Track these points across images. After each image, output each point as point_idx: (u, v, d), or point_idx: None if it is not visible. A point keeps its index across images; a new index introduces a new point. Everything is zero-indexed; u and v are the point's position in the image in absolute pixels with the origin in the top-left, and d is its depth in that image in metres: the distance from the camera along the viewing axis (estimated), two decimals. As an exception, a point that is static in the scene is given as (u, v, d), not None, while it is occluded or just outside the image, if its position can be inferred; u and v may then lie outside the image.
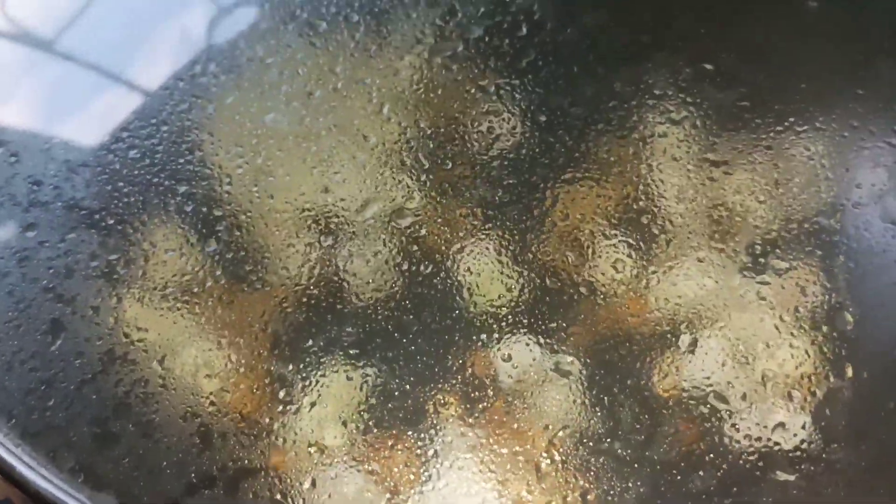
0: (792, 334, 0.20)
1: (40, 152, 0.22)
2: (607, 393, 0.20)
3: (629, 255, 0.21)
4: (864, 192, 0.22)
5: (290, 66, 0.23)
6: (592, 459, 0.19)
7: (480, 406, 0.19)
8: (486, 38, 0.23)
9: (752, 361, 0.20)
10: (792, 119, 0.22)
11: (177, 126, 0.22)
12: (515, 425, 0.19)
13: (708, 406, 0.19)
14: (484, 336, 0.20)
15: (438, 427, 0.19)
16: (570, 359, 0.20)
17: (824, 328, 0.20)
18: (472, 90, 0.22)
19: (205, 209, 0.21)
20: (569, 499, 0.19)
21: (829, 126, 0.22)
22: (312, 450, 0.19)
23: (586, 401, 0.20)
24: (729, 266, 0.21)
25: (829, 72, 0.23)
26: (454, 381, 0.20)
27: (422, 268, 0.21)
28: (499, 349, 0.20)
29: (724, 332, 0.20)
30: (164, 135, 0.22)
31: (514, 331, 0.20)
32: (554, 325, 0.20)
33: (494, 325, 0.20)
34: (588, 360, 0.20)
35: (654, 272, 0.21)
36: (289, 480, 0.19)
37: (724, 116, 0.22)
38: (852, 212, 0.21)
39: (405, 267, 0.21)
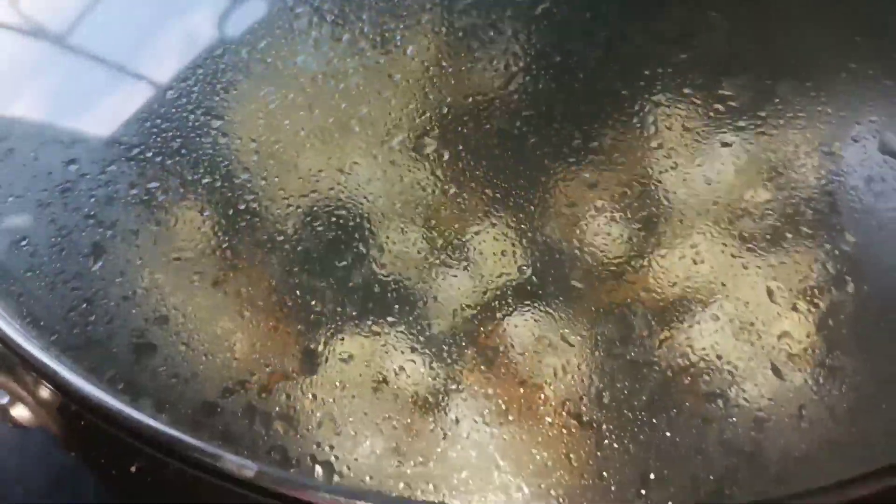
0: (797, 251, 0.21)
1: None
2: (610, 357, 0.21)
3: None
4: (864, 127, 0.23)
5: (318, 15, 0.24)
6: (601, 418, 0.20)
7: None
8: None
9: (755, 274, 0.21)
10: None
11: (211, 69, 0.24)
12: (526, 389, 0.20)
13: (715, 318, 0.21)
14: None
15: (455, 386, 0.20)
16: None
17: (827, 246, 0.21)
18: (491, 33, 0.24)
19: (238, 140, 0.23)
20: (581, 453, 0.20)
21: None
22: (342, 365, 0.20)
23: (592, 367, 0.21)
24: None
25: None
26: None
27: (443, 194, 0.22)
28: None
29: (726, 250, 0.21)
30: (199, 76, 0.24)
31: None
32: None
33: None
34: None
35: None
36: (319, 386, 0.20)
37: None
38: (852, 145, 0.23)
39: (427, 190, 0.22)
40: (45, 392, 0.23)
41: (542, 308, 0.21)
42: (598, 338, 0.21)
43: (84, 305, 0.21)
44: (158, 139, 0.23)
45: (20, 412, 0.23)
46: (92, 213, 0.22)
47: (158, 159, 0.23)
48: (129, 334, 0.21)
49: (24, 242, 0.22)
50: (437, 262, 0.21)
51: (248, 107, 0.23)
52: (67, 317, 0.21)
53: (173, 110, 0.23)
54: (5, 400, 0.24)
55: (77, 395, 0.20)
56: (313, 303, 0.21)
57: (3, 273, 0.22)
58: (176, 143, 0.23)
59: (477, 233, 0.22)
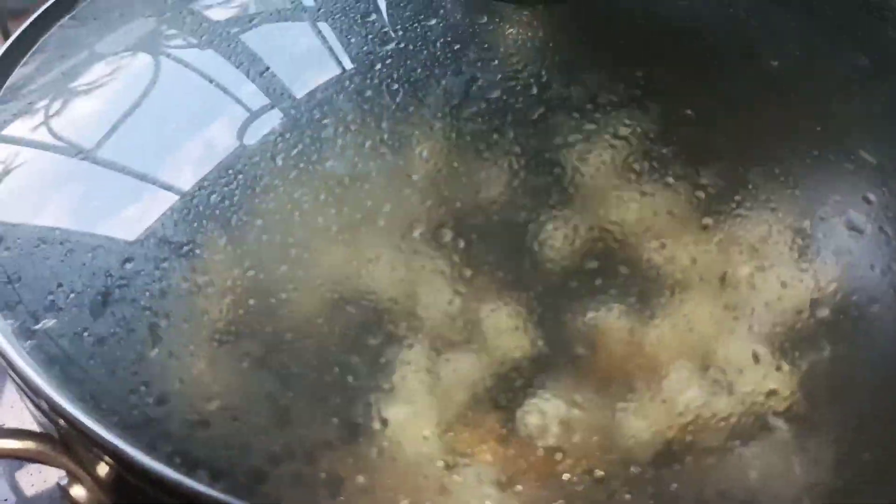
0: (778, 319, 0.24)
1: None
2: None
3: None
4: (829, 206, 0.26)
5: (343, 125, 0.28)
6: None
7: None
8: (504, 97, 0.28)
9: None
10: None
11: (250, 175, 0.27)
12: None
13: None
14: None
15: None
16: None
17: (804, 314, 0.24)
18: (495, 136, 0.27)
19: (277, 237, 0.26)
20: None
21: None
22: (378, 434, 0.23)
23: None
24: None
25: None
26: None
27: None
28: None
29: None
30: (239, 181, 0.27)
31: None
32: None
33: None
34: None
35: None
36: (358, 454, 0.22)
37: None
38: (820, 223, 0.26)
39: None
40: (103, 470, 0.25)
41: (552, 377, 0.24)
42: (606, 401, 0.23)
43: (142, 388, 0.24)
44: (205, 237, 0.26)
45: (79, 492, 0.26)
46: (148, 305, 0.25)
47: (206, 255, 0.25)
48: (184, 412, 0.23)
49: (86, 333, 0.25)
50: (457, 334, 0.24)
51: (285, 207, 0.26)
52: (127, 399, 0.24)
53: (218, 212, 0.26)
54: (65, 481, 0.26)
55: (138, 469, 0.22)
56: (349, 378, 0.23)
57: (68, 360, 0.24)
58: (222, 240, 0.26)
59: (492, 310, 0.24)
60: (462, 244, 0.25)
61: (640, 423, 0.23)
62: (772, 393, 0.23)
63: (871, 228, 0.26)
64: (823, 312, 0.25)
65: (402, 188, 0.26)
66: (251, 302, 0.25)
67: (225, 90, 0.32)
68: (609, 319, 0.24)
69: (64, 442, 0.25)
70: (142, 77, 0.33)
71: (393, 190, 0.26)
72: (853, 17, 0.33)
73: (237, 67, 0.32)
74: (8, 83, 0.34)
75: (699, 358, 0.24)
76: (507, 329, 0.24)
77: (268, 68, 0.31)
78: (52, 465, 0.25)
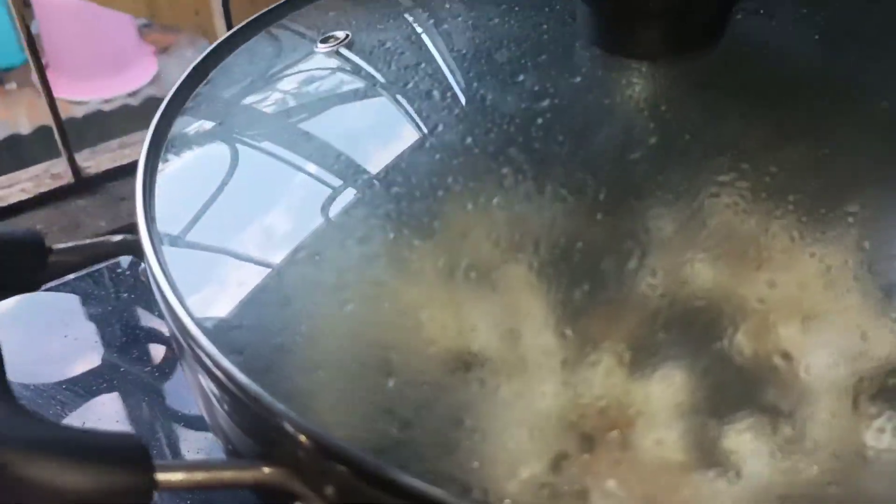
0: None
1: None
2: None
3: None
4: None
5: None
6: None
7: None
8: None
9: None
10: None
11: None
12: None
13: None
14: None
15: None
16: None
17: None
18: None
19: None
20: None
21: None
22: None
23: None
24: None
25: None
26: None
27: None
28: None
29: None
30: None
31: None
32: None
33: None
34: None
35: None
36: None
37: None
38: None
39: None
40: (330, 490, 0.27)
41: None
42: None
43: (385, 414, 0.26)
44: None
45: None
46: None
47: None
48: (427, 436, 0.26)
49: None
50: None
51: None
52: (370, 427, 0.26)
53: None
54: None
55: (394, 486, 0.25)
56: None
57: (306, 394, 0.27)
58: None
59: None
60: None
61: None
62: None
63: None
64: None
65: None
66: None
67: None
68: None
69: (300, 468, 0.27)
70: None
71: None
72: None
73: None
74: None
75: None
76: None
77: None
78: (288, 491, 0.27)
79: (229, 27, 0.96)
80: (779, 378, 0.26)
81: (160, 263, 0.31)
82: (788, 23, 0.37)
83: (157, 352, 0.59)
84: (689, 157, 0.31)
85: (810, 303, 0.28)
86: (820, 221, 0.29)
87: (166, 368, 0.58)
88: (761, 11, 0.37)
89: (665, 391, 0.26)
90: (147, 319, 0.61)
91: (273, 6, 0.45)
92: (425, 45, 0.37)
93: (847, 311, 0.28)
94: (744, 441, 0.25)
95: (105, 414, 0.57)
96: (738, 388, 0.26)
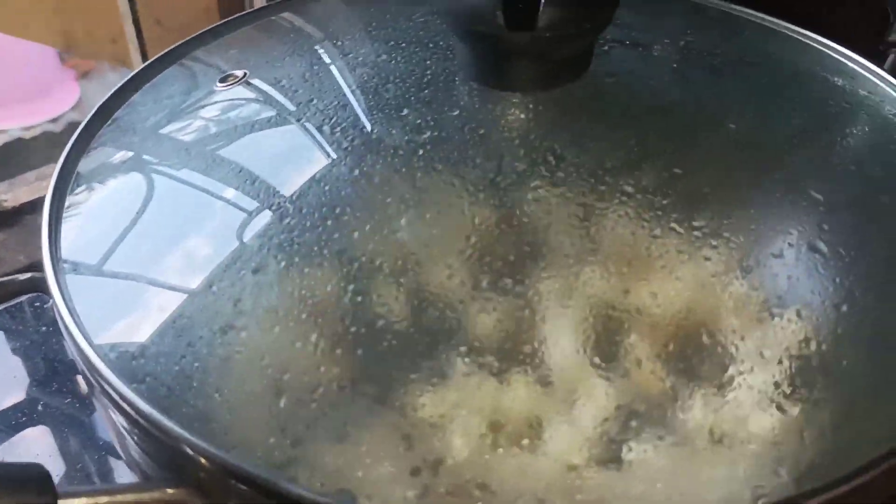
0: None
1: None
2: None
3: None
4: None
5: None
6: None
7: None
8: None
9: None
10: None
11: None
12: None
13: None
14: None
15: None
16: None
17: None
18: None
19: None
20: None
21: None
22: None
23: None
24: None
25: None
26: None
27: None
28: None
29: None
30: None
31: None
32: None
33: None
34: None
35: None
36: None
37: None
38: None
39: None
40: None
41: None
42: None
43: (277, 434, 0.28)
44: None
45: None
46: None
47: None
48: (318, 451, 0.28)
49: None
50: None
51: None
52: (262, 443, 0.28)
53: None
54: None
55: (289, 499, 0.27)
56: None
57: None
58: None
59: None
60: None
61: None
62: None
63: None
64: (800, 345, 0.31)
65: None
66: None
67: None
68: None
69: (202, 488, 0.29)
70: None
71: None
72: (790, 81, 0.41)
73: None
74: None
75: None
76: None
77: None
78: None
79: (144, 57, 0.97)
80: (638, 385, 0.29)
81: (65, 301, 0.32)
82: (651, 52, 0.40)
83: (82, 383, 0.60)
84: (556, 179, 0.34)
85: (666, 309, 0.31)
86: (676, 236, 0.32)
87: (91, 400, 0.59)
88: (627, 42, 0.40)
89: (528, 398, 0.29)
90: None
91: (181, 42, 0.47)
92: (318, 82, 0.40)
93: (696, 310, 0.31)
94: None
95: (32, 447, 0.57)
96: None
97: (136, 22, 0.95)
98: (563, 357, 0.30)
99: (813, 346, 0.30)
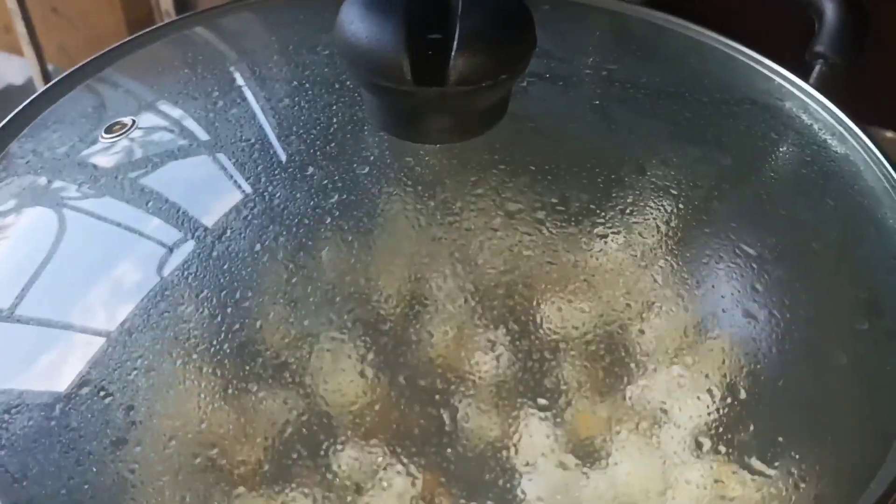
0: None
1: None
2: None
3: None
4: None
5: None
6: None
7: None
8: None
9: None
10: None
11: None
12: None
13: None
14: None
15: None
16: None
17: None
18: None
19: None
20: None
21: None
22: None
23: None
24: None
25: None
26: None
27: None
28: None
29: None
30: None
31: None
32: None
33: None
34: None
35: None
36: None
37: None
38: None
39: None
40: None
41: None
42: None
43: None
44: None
45: None
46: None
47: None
48: None
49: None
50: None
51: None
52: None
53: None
54: None
55: None
56: None
57: None
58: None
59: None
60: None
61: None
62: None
63: (764, 314, 0.32)
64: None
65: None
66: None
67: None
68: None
69: None
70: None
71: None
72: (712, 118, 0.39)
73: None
74: None
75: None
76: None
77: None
78: None
79: (37, 48, 0.91)
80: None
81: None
82: (571, 84, 0.38)
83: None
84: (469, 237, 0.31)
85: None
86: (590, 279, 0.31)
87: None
88: (546, 76, 0.38)
89: None
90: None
91: (75, 68, 0.42)
92: (215, 133, 0.36)
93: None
94: None
95: None
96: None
97: (24, 10, 0.89)
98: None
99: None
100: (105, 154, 0.37)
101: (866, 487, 0.29)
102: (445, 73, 0.31)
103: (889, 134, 0.69)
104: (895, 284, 0.34)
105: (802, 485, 0.28)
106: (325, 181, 0.33)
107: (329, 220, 0.32)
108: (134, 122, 0.38)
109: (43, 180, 0.37)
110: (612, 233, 0.32)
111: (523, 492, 0.27)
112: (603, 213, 0.33)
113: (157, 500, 0.27)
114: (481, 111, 0.34)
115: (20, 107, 0.40)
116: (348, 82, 0.37)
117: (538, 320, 0.30)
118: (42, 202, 0.36)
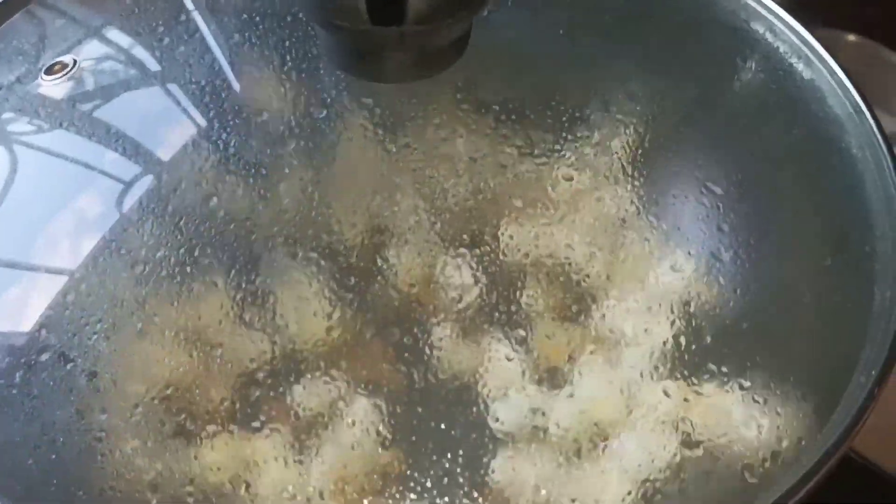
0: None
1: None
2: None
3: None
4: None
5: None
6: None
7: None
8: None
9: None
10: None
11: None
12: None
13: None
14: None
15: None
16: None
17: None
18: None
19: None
20: None
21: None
22: None
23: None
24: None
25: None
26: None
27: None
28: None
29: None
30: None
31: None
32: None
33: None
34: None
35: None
36: None
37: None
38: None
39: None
40: None
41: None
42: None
43: None
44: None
45: None
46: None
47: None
48: None
49: None
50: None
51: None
52: None
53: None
54: None
55: None
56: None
57: None
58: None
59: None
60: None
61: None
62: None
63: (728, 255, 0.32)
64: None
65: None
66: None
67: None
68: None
69: None
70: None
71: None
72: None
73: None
74: None
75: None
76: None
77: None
78: None
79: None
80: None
81: None
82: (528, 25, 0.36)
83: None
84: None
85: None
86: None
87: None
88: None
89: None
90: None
91: None
92: (159, 70, 0.34)
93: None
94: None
95: None
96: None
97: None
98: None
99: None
100: (46, 97, 0.35)
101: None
102: (403, 10, 0.29)
103: (851, 37, 0.69)
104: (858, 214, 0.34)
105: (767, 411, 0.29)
106: (281, 128, 0.32)
107: (287, 169, 0.31)
108: (75, 61, 0.36)
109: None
110: (575, 169, 0.32)
111: (494, 418, 0.28)
112: (566, 148, 0.32)
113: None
114: (441, 48, 0.32)
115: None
116: (300, 15, 0.35)
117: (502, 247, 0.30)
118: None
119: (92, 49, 0.37)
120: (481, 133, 0.32)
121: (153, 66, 0.35)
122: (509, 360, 0.29)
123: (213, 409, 0.27)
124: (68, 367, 0.28)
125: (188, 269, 0.30)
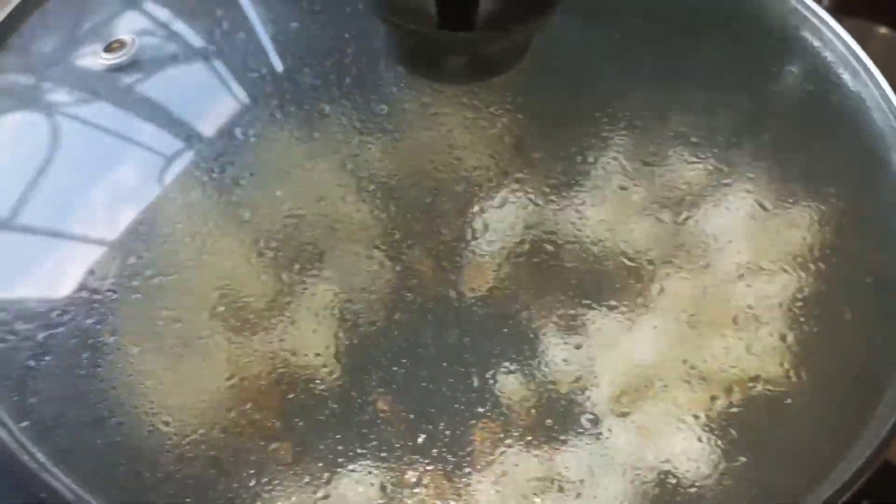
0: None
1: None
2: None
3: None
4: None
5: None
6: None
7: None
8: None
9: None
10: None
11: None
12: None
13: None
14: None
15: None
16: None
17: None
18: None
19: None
20: None
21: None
22: None
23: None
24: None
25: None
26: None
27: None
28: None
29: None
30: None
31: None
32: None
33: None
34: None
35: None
36: None
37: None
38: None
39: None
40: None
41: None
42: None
43: None
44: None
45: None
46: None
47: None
48: None
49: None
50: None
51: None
52: None
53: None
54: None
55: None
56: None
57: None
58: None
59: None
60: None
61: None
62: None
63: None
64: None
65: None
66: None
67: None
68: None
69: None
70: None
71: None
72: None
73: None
74: None
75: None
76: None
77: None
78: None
79: None
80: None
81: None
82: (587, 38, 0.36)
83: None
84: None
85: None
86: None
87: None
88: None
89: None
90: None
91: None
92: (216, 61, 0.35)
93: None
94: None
95: None
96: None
97: None
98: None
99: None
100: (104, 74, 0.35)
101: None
102: (474, 17, 0.30)
103: (882, 30, 0.69)
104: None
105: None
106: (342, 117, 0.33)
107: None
108: (134, 40, 0.36)
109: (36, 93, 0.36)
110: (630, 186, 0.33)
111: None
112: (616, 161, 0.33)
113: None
114: (504, 53, 0.33)
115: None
116: (360, 6, 0.35)
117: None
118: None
119: (150, 27, 0.37)
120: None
121: (212, 48, 0.36)
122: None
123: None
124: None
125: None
